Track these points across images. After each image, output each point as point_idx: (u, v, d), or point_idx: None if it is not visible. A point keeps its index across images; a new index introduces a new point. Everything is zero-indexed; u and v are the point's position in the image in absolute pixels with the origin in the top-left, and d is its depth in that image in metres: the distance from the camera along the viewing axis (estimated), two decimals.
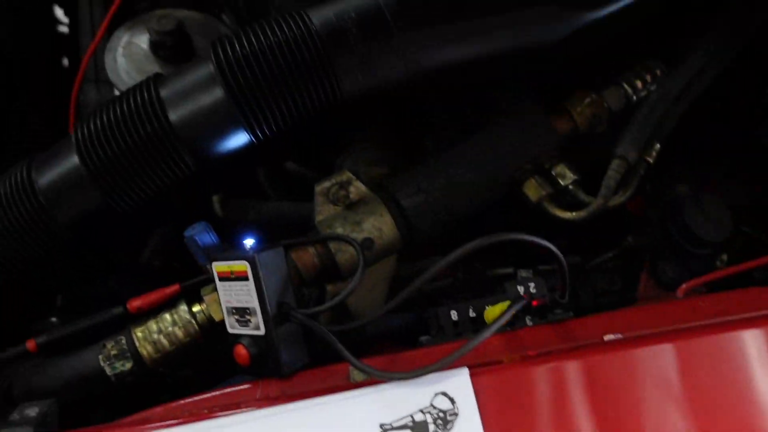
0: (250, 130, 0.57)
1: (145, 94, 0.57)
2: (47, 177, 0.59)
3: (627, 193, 0.62)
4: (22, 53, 0.83)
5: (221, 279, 0.52)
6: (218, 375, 0.63)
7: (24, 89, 0.82)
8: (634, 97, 0.67)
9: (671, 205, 0.66)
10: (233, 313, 0.52)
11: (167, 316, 0.56)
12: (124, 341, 0.55)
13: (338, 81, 0.56)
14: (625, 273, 0.68)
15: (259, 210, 0.73)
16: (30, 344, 0.61)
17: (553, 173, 0.64)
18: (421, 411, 0.43)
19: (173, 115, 0.56)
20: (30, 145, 0.89)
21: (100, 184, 0.57)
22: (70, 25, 0.95)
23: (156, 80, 0.59)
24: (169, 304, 0.59)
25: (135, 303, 0.61)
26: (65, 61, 1.02)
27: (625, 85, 0.66)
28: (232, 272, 0.51)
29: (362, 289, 0.61)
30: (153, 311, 0.62)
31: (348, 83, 0.57)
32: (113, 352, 0.55)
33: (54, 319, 0.72)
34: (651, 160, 0.63)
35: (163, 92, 0.57)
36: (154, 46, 0.71)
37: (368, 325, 0.58)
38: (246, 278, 0.50)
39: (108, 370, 0.54)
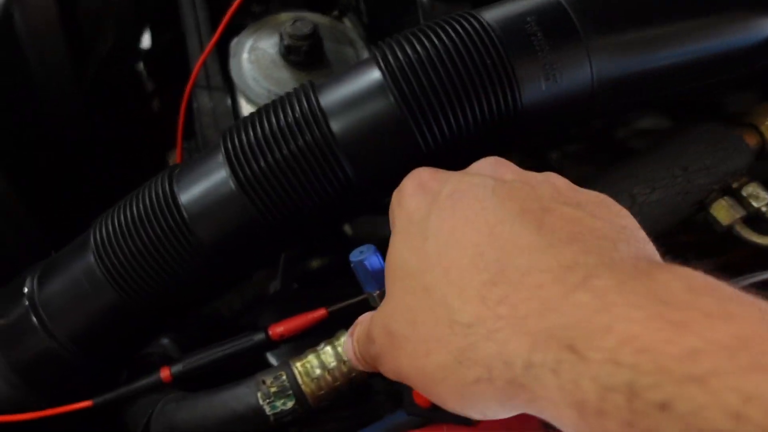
0: (422, 141, 0.51)
1: (305, 102, 0.52)
2: (191, 191, 0.53)
3: None
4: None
5: None
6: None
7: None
8: None
9: None
10: None
11: (329, 349, 0.50)
12: (284, 377, 0.49)
13: (520, 90, 0.51)
14: None
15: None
16: (164, 373, 0.56)
17: (744, 194, 0.57)
18: None
19: (335, 124, 0.51)
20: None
21: (251, 199, 0.51)
22: (167, 29, 0.91)
23: (313, 87, 0.53)
24: (320, 332, 0.54)
25: (277, 330, 0.56)
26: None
27: None
28: None
29: None
30: (297, 339, 0.57)
31: (530, 93, 0.51)
32: (273, 389, 0.49)
33: (166, 341, 0.67)
34: None
35: (323, 100, 0.52)
36: (287, 50, 0.65)
37: None
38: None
39: (267, 410, 0.49)
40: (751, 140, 0.58)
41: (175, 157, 0.76)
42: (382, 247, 0.66)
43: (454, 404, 0.32)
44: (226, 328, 0.78)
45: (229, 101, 0.76)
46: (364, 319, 0.43)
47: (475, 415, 0.33)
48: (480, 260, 0.31)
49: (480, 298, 0.30)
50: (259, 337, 0.56)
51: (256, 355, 0.58)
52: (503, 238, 0.31)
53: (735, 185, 0.58)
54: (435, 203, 0.35)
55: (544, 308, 0.27)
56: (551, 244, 0.29)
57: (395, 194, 0.40)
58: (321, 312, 0.56)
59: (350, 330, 0.46)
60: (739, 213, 0.57)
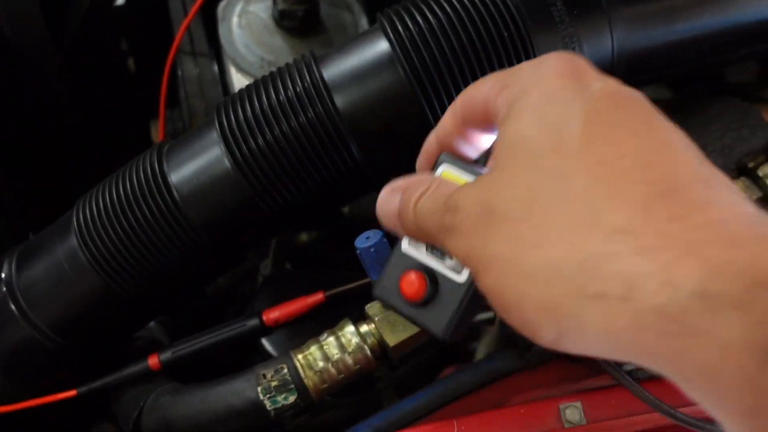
0: (433, 119, 0.47)
1: (307, 75, 0.48)
2: (182, 170, 0.49)
3: None
4: None
5: None
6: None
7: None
8: None
9: None
10: None
11: (332, 339, 0.48)
12: (286, 370, 0.46)
13: None
14: None
15: None
16: (152, 361, 0.53)
17: (760, 174, 0.55)
18: None
19: (340, 100, 0.47)
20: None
21: (248, 179, 0.48)
22: None
23: (316, 59, 0.49)
24: (323, 321, 0.51)
25: (272, 315, 0.53)
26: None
27: None
28: None
29: None
30: (292, 324, 0.54)
31: None
32: (274, 383, 0.46)
33: (152, 324, 0.64)
34: None
35: (326, 73, 0.48)
36: (281, 15, 0.61)
37: None
38: None
39: (268, 404, 0.46)
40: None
41: (158, 127, 0.71)
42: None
43: (540, 315, 0.27)
44: (215, 307, 0.75)
45: (215, 68, 0.71)
46: (435, 181, 0.34)
47: (549, 336, 0.27)
48: (647, 170, 0.26)
49: (644, 207, 0.25)
50: (253, 322, 0.53)
51: (249, 342, 0.55)
52: (675, 159, 0.26)
53: (751, 165, 0.55)
54: (589, 92, 0.30)
55: (730, 243, 0.23)
56: (728, 184, 0.26)
57: (530, 63, 0.33)
58: (318, 296, 0.53)
59: (396, 185, 0.37)
60: (756, 194, 0.55)
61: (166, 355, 0.53)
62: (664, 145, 0.27)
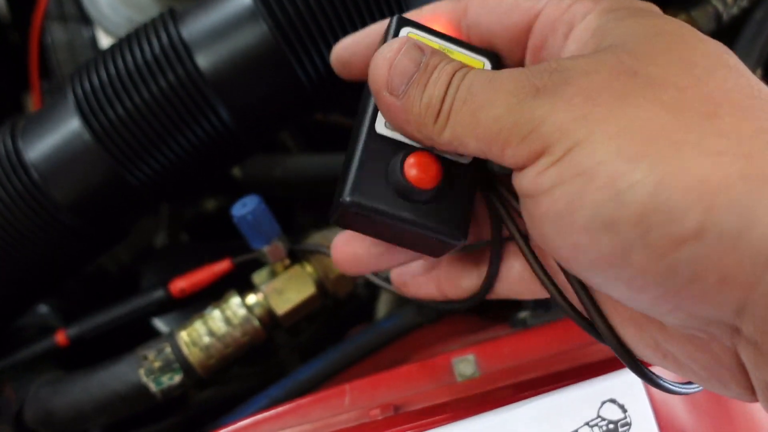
0: (303, 75, 0.45)
1: (164, 35, 0.44)
2: (39, 146, 0.46)
3: None
4: None
5: None
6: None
7: None
8: (725, 16, 0.58)
9: None
10: None
11: (217, 313, 0.46)
12: (169, 349, 0.44)
13: (409, 10, 0.45)
14: None
15: (286, 166, 0.62)
16: (60, 337, 0.50)
17: None
18: (588, 424, 0.35)
19: (202, 60, 0.44)
20: None
21: (110, 151, 0.44)
22: None
23: (174, 17, 0.46)
24: (213, 294, 0.49)
25: (178, 284, 0.51)
26: None
27: (715, 2, 0.57)
28: None
29: None
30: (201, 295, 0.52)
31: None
32: (157, 364, 0.44)
33: (44, 309, 0.60)
34: None
35: (185, 32, 0.45)
36: None
37: None
38: None
39: (152, 387, 0.44)
40: None
41: (32, 101, 0.66)
42: (273, 193, 0.61)
43: (688, 197, 0.20)
44: (115, 287, 0.71)
45: (89, 32, 0.66)
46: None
47: (690, 225, 0.20)
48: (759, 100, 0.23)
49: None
50: (159, 294, 0.51)
51: (155, 313, 0.52)
52: None
53: None
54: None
55: None
56: None
57: None
58: (225, 264, 0.50)
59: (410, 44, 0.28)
60: None
61: (74, 330, 0.50)
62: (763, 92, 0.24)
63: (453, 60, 0.27)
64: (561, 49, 0.28)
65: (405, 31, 0.30)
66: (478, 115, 0.25)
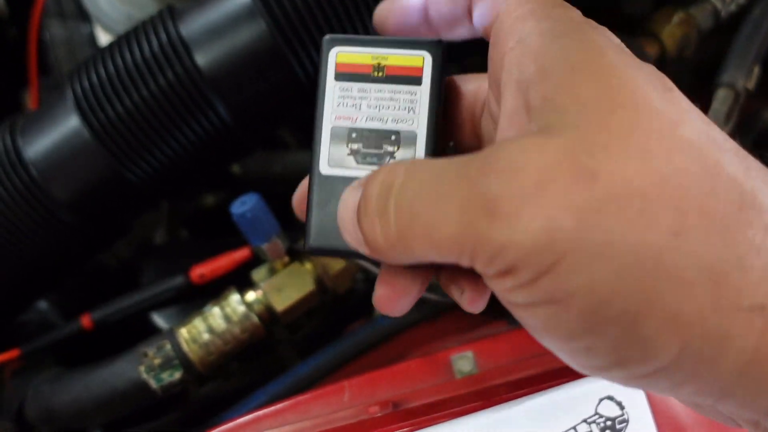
0: (301, 72, 0.45)
1: (163, 33, 0.45)
2: (38, 145, 0.46)
3: (729, 126, 0.54)
4: None
5: (341, 77, 0.30)
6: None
7: None
8: (723, 13, 0.58)
9: (763, 135, 0.58)
10: (354, 140, 0.30)
11: (216, 310, 0.46)
12: (169, 346, 0.45)
13: None
14: None
15: (285, 162, 0.62)
16: (85, 320, 0.51)
17: None
18: (586, 421, 0.36)
19: (201, 58, 0.44)
20: None
21: (109, 149, 0.44)
22: None
23: (173, 14, 0.46)
24: (214, 293, 0.49)
25: (198, 270, 0.50)
26: None
27: None
28: (377, 68, 0.30)
29: None
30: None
31: None
32: (157, 361, 0.44)
33: (44, 305, 0.61)
34: (751, 87, 0.55)
35: (184, 30, 0.45)
36: None
37: None
38: (414, 80, 0.30)
39: (153, 383, 0.44)
40: (651, 49, 0.55)
41: (30, 97, 0.66)
42: (272, 189, 0.61)
43: (664, 329, 0.20)
44: (114, 282, 0.71)
45: (87, 28, 0.66)
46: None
47: (666, 357, 0.21)
48: (736, 156, 0.22)
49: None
50: (179, 280, 0.51)
51: (175, 300, 0.53)
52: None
53: None
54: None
55: None
56: None
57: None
58: (245, 252, 0.50)
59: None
60: None
61: (99, 313, 0.51)
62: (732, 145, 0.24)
63: (379, 177, 0.25)
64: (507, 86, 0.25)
65: (334, 51, 0.30)
66: (433, 235, 0.23)
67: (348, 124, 0.30)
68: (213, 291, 0.50)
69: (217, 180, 0.65)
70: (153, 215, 0.70)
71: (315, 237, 0.29)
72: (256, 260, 0.50)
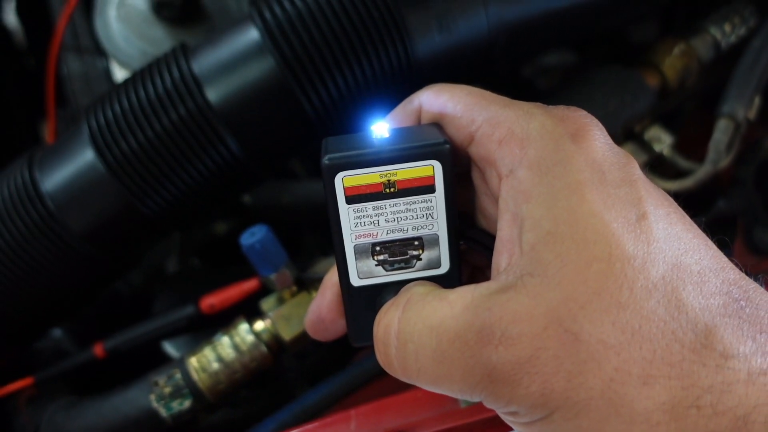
0: (308, 106, 0.46)
1: (176, 70, 0.46)
2: (55, 178, 0.47)
3: (730, 155, 0.55)
4: None
5: (353, 200, 0.30)
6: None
7: None
8: (723, 44, 0.59)
9: (765, 164, 0.59)
10: (378, 252, 0.31)
11: (225, 339, 0.47)
12: (179, 375, 0.45)
13: (412, 43, 0.46)
14: (717, 241, 0.61)
15: (294, 192, 0.63)
16: (98, 349, 0.52)
17: (646, 137, 0.56)
18: None
19: (212, 94, 0.46)
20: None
21: (123, 182, 0.46)
22: None
23: (185, 52, 0.47)
24: (222, 322, 0.50)
25: (208, 301, 0.51)
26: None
27: (713, 31, 0.58)
28: (388, 185, 0.30)
29: None
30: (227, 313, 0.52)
31: (423, 45, 0.47)
32: (167, 390, 0.45)
33: (58, 333, 0.62)
34: (752, 118, 0.56)
35: (196, 66, 0.46)
36: (158, 6, 0.58)
37: None
38: (427, 189, 0.30)
39: (163, 412, 0.45)
40: (653, 80, 0.56)
41: (47, 128, 0.68)
42: (282, 218, 0.62)
43: None
44: (127, 310, 0.73)
45: (103, 63, 0.68)
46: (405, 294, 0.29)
47: None
48: (726, 285, 0.25)
49: (740, 328, 0.24)
50: (190, 310, 0.52)
51: (186, 329, 0.54)
52: (739, 277, 0.26)
53: (638, 128, 0.56)
54: (641, 176, 0.27)
55: None
56: None
57: (560, 120, 0.27)
58: (253, 283, 0.51)
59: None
60: (642, 158, 0.55)
61: (111, 343, 0.52)
62: (726, 263, 0.27)
63: (382, 321, 0.29)
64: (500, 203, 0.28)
65: (339, 177, 0.30)
66: (439, 386, 0.27)
67: (370, 240, 0.31)
68: (222, 318, 0.51)
69: (229, 208, 0.66)
70: (165, 244, 0.71)
71: (356, 338, 0.33)
72: (264, 289, 0.51)
